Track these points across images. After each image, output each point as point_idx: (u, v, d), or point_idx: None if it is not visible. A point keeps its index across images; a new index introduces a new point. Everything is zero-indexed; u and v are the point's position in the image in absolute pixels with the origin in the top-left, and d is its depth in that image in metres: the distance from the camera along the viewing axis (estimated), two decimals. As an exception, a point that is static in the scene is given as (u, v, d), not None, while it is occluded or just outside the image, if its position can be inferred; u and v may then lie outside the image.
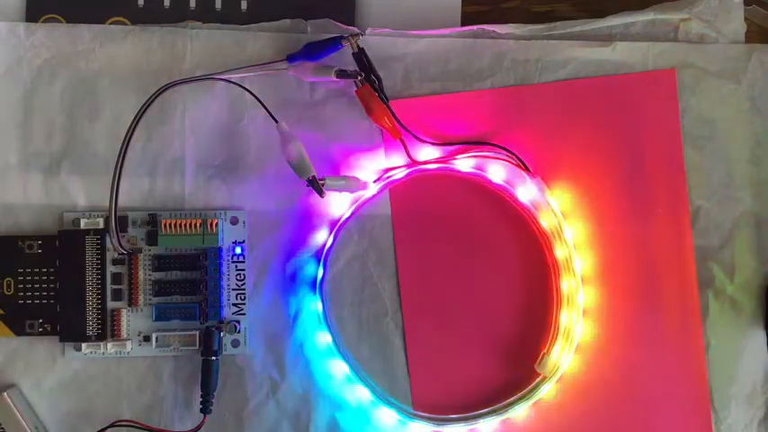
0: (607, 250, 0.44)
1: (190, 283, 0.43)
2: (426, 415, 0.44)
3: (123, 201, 0.41)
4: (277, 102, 0.43)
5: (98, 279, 0.42)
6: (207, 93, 0.44)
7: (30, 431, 0.42)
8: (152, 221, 0.43)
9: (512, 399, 0.43)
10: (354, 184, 0.43)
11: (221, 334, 0.42)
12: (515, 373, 0.44)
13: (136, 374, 0.43)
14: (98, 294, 0.42)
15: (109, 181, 0.40)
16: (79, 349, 0.42)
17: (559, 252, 0.43)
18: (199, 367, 0.42)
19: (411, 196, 0.44)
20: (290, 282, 0.44)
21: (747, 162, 0.45)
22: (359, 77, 0.42)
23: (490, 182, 0.44)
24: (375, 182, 0.44)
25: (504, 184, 0.44)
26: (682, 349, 0.44)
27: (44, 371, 0.43)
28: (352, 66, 0.43)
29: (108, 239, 0.42)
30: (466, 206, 0.44)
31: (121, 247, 0.41)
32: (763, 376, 0.45)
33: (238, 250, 0.43)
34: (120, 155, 0.40)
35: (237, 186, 0.44)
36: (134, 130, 0.40)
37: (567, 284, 0.43)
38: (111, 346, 0.43)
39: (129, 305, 0.43)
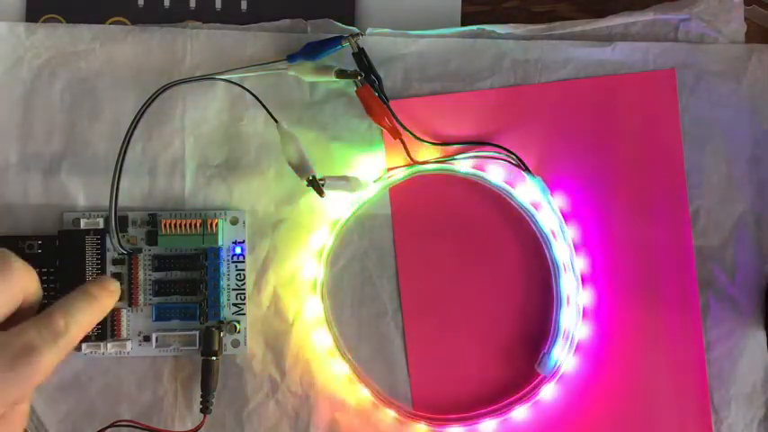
0: (607, 250, 0.44)
1: (190, 283, 0.43)
2: (426, 415, 0.44)
3: (123, 201, 0.41)
4: (277, 102, 0.43)
5: (98, 279, 0.42)
6: (207, 93, 0.44)
7: (30, 431, 0.42)
8: (152, 221, 0.43)
9: (512, 399, 0.43)
10: (354, 184, 0.43)
11: (221, 334, 0.42)
12: (515, 373, 0.44)
13: (136, 374, 0.43)
14: (98, 294, 0.42)
15: (109, 181, 0.40)
16: (79, 349, 0.42)
17: (559, 252, 0.43)
18: (199, 367, 0.42)
19: (411, 196, 0.44)
20: (290, 281, 0.44)
21: (747, 162, 0.45)
22: (359, 77, 0.42)
23: (490, 182, 0.44)
24: (375, 182, 0.44)
25: (504, 184, 0.44)
26: (682, 349, 0.44)
27: (44, 371, 0.43)
28: (352, 66, 0.43)
29: (108, 239, 0.42)
30: (466, 206, 0.44)
31: (121, 247, 0.41)
32: (763, 376, 0.45)
33: (238, 250, 0.43)
34: (120, 155, 0.40)
35: (237, 186, 0.44)
36: (134, 130, 0.40)
37: (567, 284, 0.43)
38: (111, 346, 0.42)
39: (129, 305, 0.43)
